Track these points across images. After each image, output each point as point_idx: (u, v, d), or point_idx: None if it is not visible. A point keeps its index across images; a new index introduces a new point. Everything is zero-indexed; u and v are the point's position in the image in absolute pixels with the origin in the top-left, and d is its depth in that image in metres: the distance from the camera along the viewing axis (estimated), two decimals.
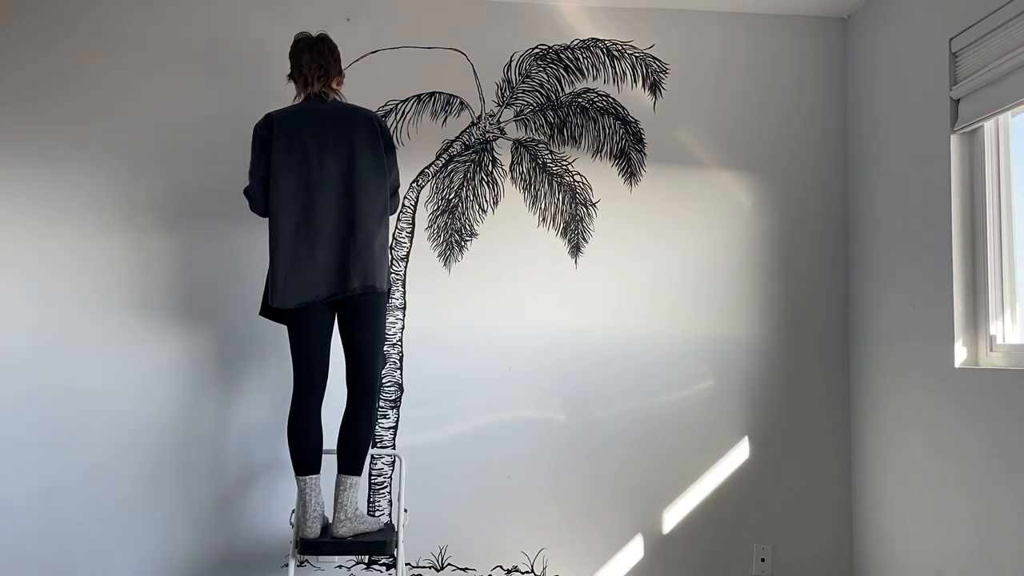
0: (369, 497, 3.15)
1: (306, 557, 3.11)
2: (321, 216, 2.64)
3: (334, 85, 2.83)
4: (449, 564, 3.20)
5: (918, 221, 2.91)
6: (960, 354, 2.70)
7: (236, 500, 3.16)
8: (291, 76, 2.85)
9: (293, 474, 2.86)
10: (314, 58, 2.79)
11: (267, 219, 2.74)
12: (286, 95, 3.28)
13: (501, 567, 3.22)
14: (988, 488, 2.49)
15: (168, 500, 3.13)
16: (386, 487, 3.17)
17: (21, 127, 3.19)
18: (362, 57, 3.32)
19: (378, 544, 2.67)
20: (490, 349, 3.27)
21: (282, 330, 3.24)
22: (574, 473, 3.26)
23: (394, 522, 3.02)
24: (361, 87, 3.29)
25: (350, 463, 2.67)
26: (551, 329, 3.30)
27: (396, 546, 2.75)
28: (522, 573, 3.22)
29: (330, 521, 2.70)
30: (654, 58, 3.41)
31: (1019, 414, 2.36)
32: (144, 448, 3.14)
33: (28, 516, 3.09)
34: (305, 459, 2.69)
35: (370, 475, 3.16)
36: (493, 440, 3.24)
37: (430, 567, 3.19)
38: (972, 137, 2.74)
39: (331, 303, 2.69)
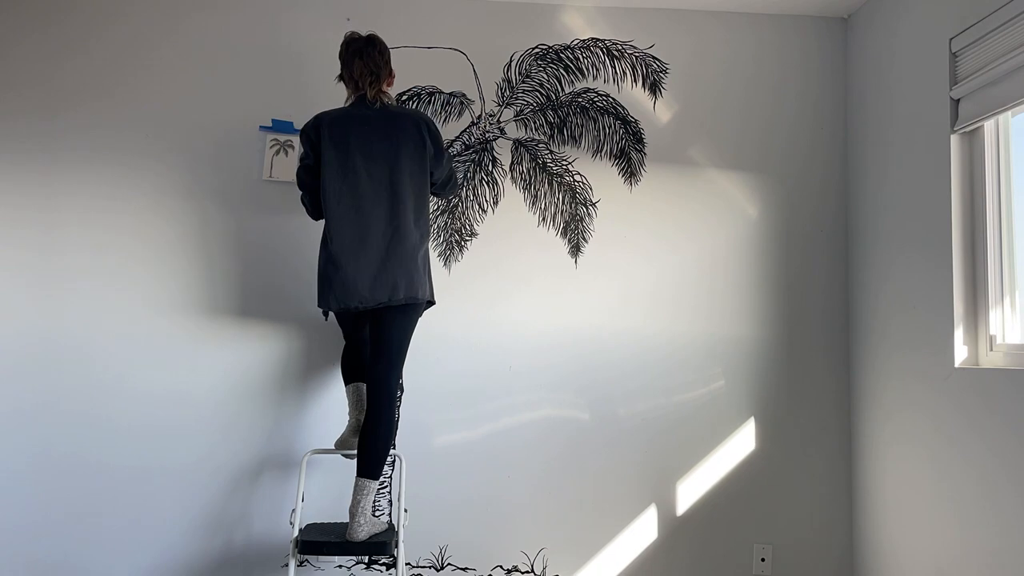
0: None
1: (306, 557, 3.11)
2: (367, 224, 2.67)
3: (385, 87, 2.83)
4: (449, 564, 3.20)
5: (918, 221, 2.91)
6: (960, 354, 2.70)
7: (236, 500, 3.16)
8: (341, 77, 2.85)
9: (289, 473, 2.86)
10: (365, 64, 2.77)
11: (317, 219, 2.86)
12: (291, 92, 3.30)
13: (501, 567, 3.22)
14: (988, 488, 2.49)
15: (168, 500, 3.13)
16: (386, 487, 3.17)
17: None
18: None
19: (379, 544, 2.68)
20: (490, 349, 3.27)
21: (284, 330, 3.25)
22: (574, 472, 3.26)
23: (394, 522, 3.02)
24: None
25: (368, 467, 2.67)
26: (551, 329, 3.30)
27: (396, 546, 2.75)
28: (522, 573, 3.22)
29: (348, 524, 2.69)
30: (654, 58, 3.41)
31: (1019, 414, 2.36)
32: (142, 448, 3.14)
33: (27, 513, 3.10)
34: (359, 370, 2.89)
35: None
36: (493, 439, 3.24)
37: (430, 567, 3.19)
38: (972, 137, 2.74)
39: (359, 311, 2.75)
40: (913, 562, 2.87)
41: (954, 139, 2.74)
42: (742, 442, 3.32)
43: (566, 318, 3.31)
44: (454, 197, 3.30)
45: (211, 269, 3.23)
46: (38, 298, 3.17)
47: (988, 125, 2.68)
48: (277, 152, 3.27)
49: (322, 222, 2.80)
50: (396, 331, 2.75)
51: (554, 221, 3.35)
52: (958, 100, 2.73)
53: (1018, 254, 2.65)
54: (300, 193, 2.88)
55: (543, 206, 3.35)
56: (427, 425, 3.23)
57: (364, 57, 2.77)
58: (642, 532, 3.26)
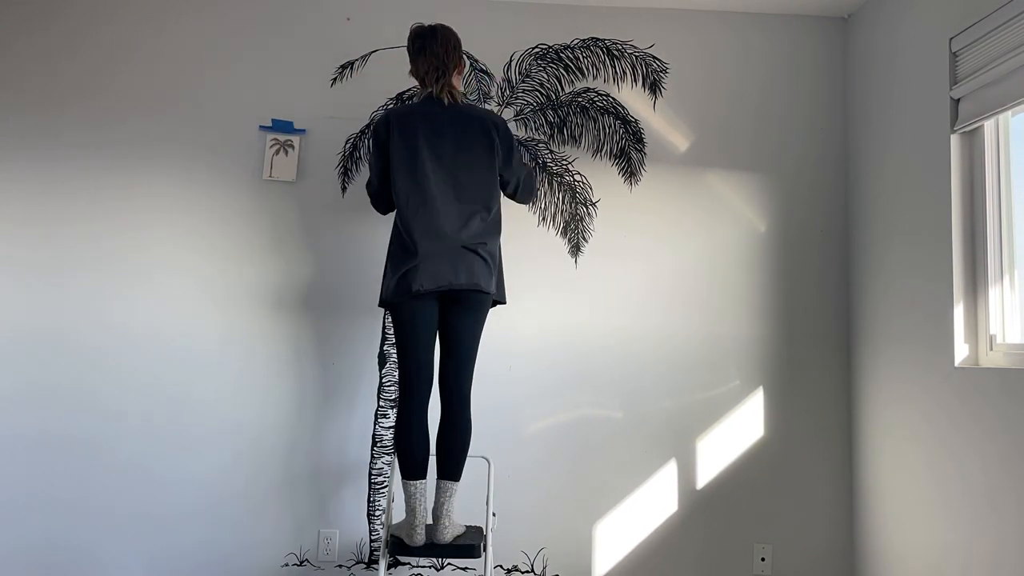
0: (369, 497, 3.15)
1: (306, 558, 3.12)
2: (439, 224, 2.62)
3: (454, 82, 2.76)
4: (449, 564, 3.20)
5: (918, 221, 2.91)
6: (960, 353, 2.70)
7: (236, 499, 3.16)
8: (412, 73, 2.78)
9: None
10: (428, 60, 2.71)
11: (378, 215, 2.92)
12: (291, 92, 3.30)
13: (501, 567, 3.21)
14: (988, 488, 2.49)
15: (167, 496, 3.14)
16: (385, 487, 3.17)
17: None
18: (362, 57, 3.32)
19: (467, 547, 2.69)
20: (489, 348, 3.26)
21: (284, 328, 3.24)
22: (573, 472, 3.26)
23: (481, 525, 3.00)
24: (361, 87, 3.31)
25: (448, 470, 2.69)
26: (550, 329, 3.30)
27: (485, 549, 2.76)
28: (522, 573, 3.22)
29: (432, 525, 2.72)
30: (654, 58, 3.41)
31: (1019, 414, 2.36)
32: (143, 447, 3.15)
33: (31, 514, 3.10)
34: (413, 465, 2.70)
35: (370, 475, 3.15)
36: (492, 438, 3.24)
37: (430, 567, 3.19)
38: (972, 137, 2.74)
39: (440, 300, 2.69)
40: (913, 562, 2.87)
41: (954, 139, 2.74)
42: (740, 444, 3.32)
43: (566, 318, 3.31)
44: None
45: (210, 269, 3.23)
46: (39, 296, 3.17)
47: (988, 125, 2.68)
48: (277, 152, 3.27)
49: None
50: (465, 330, 2.72)
51: (554, 221, 3.35)
52: (958, 100, 2.73)
53: (1018, 253, 2.65)
54: (368, 186, 2.87)
55: (543, 206, 3.35)
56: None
57: (427, 53, 2.71)
58: (640, 533, 3.26)
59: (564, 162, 3.36)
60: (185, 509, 3.14)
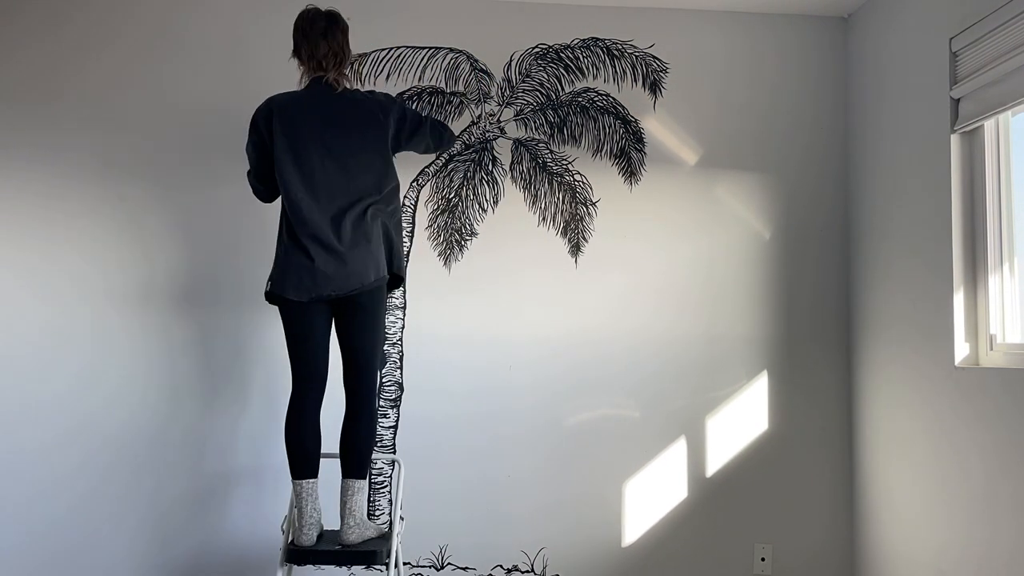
0: (369, 497, 3.15)
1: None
2: (322, 212, 2.53)
3: (346, 71, 2.70)
4: (449, 564, 3.20)
5: (918, 220, 2.91)
6: (960, 353, 2.70)
7: (221, 505, 3.15)
8: (296, 54, 2.67)
9: (278, 477, 2.87)
10: (329, 44, 2.61)
11: (261, 206, 2.80)
12: (284, 86, 3.28)
13: (501, 567, 3.21)
14: (988, 487, 2.49)
15: (154, 504, 3.13)
16: (386, 487, 3.17)
17: (22, 123, 3.20)
18: (362, 57, 3.32)
19: (368, 554, 2.56)
20: (490, 348, 3.27)
21: (271, 324, 3.23)
22: (574, 472, 3.26)
23: (392, 525, 3.00)
24: (361, 86, 3.30)
25: (354, 467, 2.58)
26: (550, 329, 3.30)
27: (388, 555, 2.61)
28: (522, 572, 3.22)
29: (338, 528, 2.61)
30: (654, 57, 3.41)
31: (1019, 413, 2.37)
32: (125, 450, 3.13)
33: (14, 519, 3.09)
34: (303, 462, 2.59)
35: (370, 475, 3.16)
36: (493, 438, 3.24)
37: (430, 566, 3.19)
38: (972, 137, 2.74)
39: (329, 300, 2.59)
40: (913, 561, 2.88)
41: (954, 139, 2.74)
42: (743, 440, 3.32)
43: (566, 318, 3.31)
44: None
45: (211, 269, 3.22)
46: (36, 297, 3.17)
47: (988, 125, 2.68)
48: None
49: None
50: (363, 324, 2.61)
51: (554, 221, 3.35)
52: (958, 100, 2.73)
53: (1018, 253, 2.65)
54: (248, 175, 2.77)
55: (543, 206, 3.35)
56: (427, 425, 3.22)
57: (328, 37, 2.62)
58: (638, 532, 3.26)
59: (564, 162, 3.36)
60: (185, 509, 3.13)
